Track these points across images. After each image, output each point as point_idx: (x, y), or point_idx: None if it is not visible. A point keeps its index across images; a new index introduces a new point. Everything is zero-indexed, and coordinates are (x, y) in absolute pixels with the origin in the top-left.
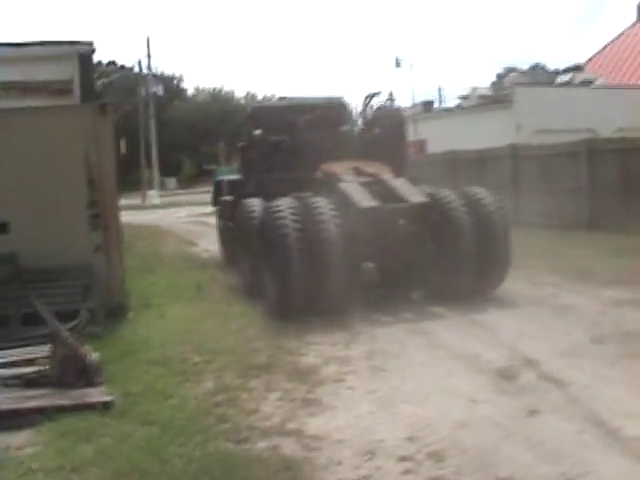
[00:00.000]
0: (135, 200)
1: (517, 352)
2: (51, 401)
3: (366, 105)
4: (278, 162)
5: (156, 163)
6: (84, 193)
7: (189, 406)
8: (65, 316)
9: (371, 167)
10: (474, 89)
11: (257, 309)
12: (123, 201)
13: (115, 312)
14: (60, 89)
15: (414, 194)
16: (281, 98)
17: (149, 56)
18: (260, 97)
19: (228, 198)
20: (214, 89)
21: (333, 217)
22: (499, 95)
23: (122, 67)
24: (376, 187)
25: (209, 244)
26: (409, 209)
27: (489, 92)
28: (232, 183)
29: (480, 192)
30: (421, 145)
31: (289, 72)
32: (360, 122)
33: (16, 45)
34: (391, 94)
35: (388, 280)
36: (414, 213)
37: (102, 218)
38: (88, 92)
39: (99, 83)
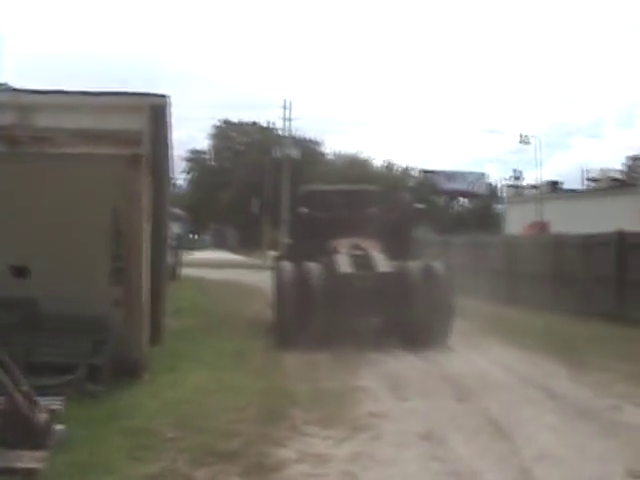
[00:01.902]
0: (259, 260)
1: (528, 477)
2: None
3: (393, 196)
4: (314, 234)
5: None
6: (109, 245)
7: None
8: (71, 369)
9: (367, 243)
10: (604, 171)
11: (282, 386)
12: (246, 259)
13: (130, 371)
14: (128, 139)
15: (384, 266)
16: (425, 171)
17: (289, 119)
18: (398, 167)
19: None
20: (351, 156)
21: (317, 277)
22: (631, 179)
23: (264, 128)
24: (361, 259)
25: None
26: (375, 276)
27: (620, 175)
28: (284, 247)
29: (438, 267)
30: (543, 226)
31: (427, 143)
32: (384, 208)
33: (87, 94)
34: (517, 172)
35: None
36: (379, 279)
37: (125, 272)
38: (159, 144)
39: (241, 142)
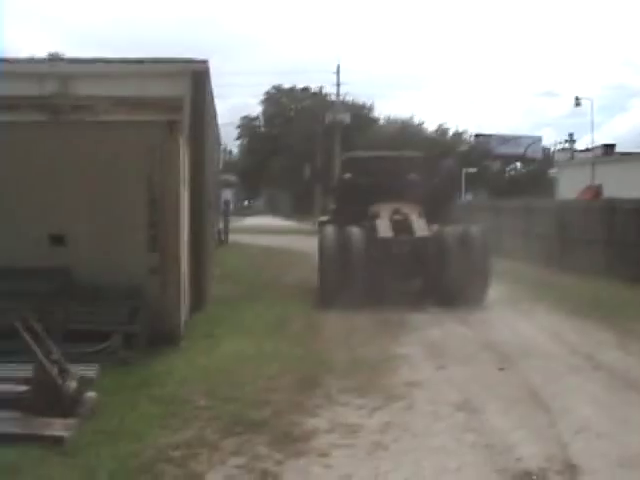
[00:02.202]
0: (310, 225)
1: (565, 451)
2: (2, 427)
3: (435, 162)
4: (357, 200)
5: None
6: (145, 212)
7: (140, 457)
8: (108, 336)
9: (407, 208)
10: None
11: (320, 353)
12: (298, 225)
13: (166, 339)
14: (169, 106)
15: (422, 230)
16: (479, 135)
17: (338, 84)
18: (452, 131)
19: None
20: (402, 121)
21: (360, 242)
22: None
23: (315, 94)
24: (400, 224)
25: None
26: (413, 240)
27: None
28: (330, 212)
29: (474, 230)
30: (596, 191)
31: (482, 107)
32: (426, 173)
33: (129, 61)
34: (571, 136)
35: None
36: (417, 243)
37: (161, 240)
38: (200, 110)
39: (291, 107)
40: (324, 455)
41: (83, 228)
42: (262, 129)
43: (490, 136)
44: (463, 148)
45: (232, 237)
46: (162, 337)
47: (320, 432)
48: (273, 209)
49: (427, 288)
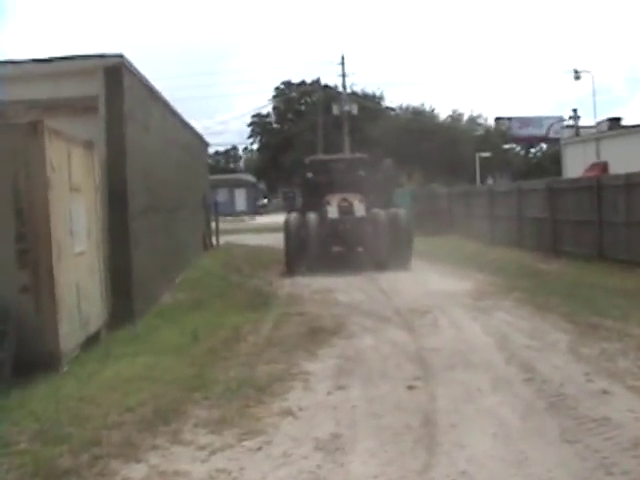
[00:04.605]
0: None
1: None
2: None
3: (378, 162)
4: (315, 192)
5: None
6: (12, 225)
7: None
8: None
9: (352, 197)
10: None
11: (213, 373)
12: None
13: (45, 364)
14: (85, 106)
15: (360, 212)
16: (499, 118)
17: (343, 75)
18: (466, 116)
19: None
20: (413, 108)
21: (314, 222)
22: None
23: (325, 87)
24: (345, 208)
25: None
26: (353, 219)
27: None
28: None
29: (400, 212)
30: (602, 168)
31: (505, 90)
32: (370, 171)
33: (40, 61)
34: (575, 111)
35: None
36: (356, 221)
37: (32, 255)
38: (115, 109)
39: (301, 102)
40: None
41: None
42: (273, 126)
43: (510, 119)
44: (479, 132)
45: (230, 238)
46: (40, 362)
47: None
48: (289, 206)
49: (366, 256)
